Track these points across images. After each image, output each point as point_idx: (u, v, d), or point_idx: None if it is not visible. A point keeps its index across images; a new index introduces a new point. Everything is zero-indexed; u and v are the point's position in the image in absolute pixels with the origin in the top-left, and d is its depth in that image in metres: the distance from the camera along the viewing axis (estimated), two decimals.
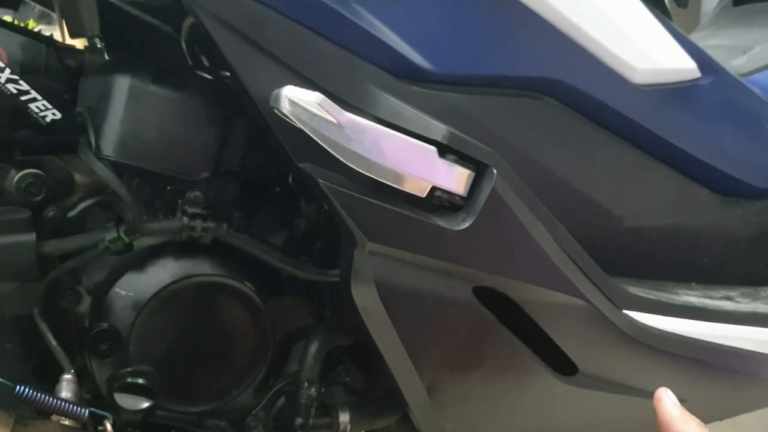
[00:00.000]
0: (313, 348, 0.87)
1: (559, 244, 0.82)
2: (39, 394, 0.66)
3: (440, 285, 0.78)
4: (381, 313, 0.77)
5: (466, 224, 0.75)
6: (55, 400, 0.67)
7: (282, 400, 0.91)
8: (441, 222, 0.75)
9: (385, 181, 0.71)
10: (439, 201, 0.75)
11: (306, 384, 0.86)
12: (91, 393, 0.83)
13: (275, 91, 0.67)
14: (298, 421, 0.87)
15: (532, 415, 0.92)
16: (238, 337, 0.85)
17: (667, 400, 0.71)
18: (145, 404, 0.75)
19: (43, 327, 0.76)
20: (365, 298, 0.77)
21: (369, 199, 0.72)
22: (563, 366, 0.90)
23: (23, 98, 0.75)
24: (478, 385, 0.85)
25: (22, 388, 0.66)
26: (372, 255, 0.75)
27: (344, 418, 0.89)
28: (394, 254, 0.76)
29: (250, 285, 0.84)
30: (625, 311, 0.87)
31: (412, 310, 0.79)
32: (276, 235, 0.90)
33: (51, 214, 0.78)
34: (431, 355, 0.81)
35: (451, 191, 0.74)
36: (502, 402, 0.88)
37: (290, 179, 0.89)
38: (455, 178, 0.74)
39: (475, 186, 0.75)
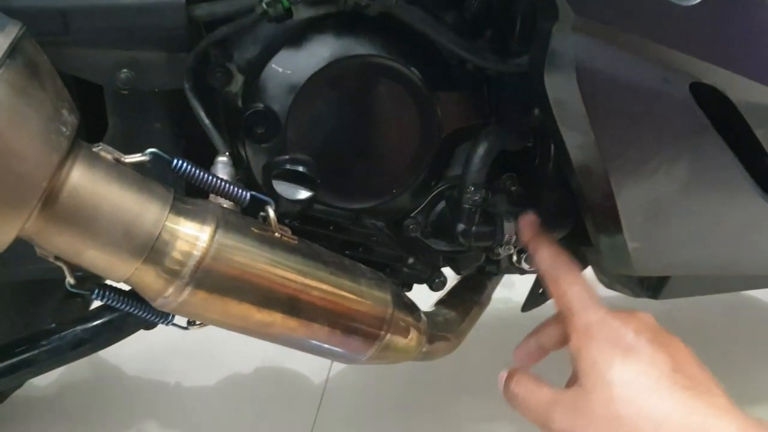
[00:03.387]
0: (481, 150, 0.77)
1: None
2: (198, 171, 0.59)
3: (653, 77, 0.65)
4: (578, 106, 0.64)
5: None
6: (215, 179, 0.60)
7: (441, 205, 0.83)
8: None
9: None
10: None
11: (472, 188, 0.76)
12: (242, 182, 0.76)
13: None
14: (460, 227, 0.78)
15: (729, 240, 0.79)
16: (401, 129, 0.75)
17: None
18: (306, 194, 0.68)
19: (195, 103, 0.68)
20: (561, 87, 0.65)
21: None
22: None
23: None
24: (676, 199, 0.73)
25: (180, 162, 0.59)
26: (575, 33, 0.62)
27: (510, 228, 0.80)
28: (603, 33, 0.62)
29: (417, 72, 0.73)
30: None
31: (615, 105, 0.66)
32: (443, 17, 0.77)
33: None
34: (629, 160, 0.69)
35: None
36: (698, 221, 0.76)
37: None
38: None
39: None
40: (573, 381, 0.62)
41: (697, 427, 0.51)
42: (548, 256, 0.69)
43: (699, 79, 0.66)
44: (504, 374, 0.66)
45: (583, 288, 0.64)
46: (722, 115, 0.70)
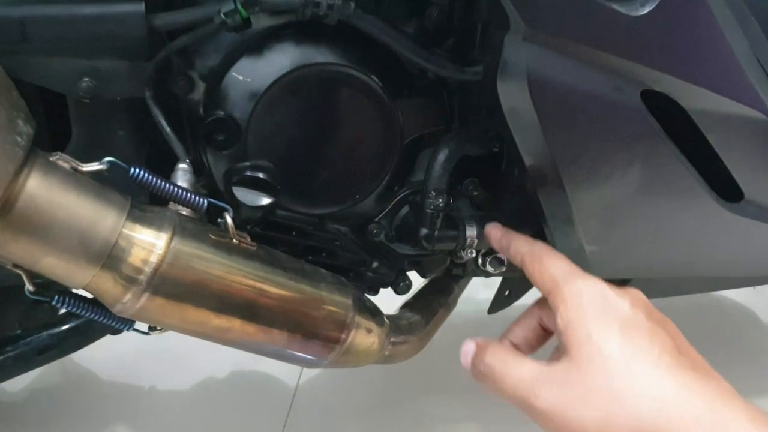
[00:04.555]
0: (442, 156, 0.78)
1: (751, 47, 0.68)
2: (155, 179, 0.60)
3: (604, 85, 0.66)
4: (530, 114, 0.66)
5: (647, 9, 0.62)
6: (171, 187, 0.61)
7: (405, 210, 0.84)
8: (615, 5, 0.62)
9: None
10: None
11: (433, 193, 0.78)
12: (205, 189, 0.77)
13: None
14: (423, 231, 0.79)
15: (684, 243, 0.81)
16: (363, 136, 0.77)
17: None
18: (266, 200, 0.69)
19: (156, 111, 0.69)
20: (513, 96, 0.67)
21: None
22: (727, 192, 0.78)
23: None
24: (630, 204, 0.74)
25: (137, 170, 0.60)
26: (526, 43, 0.63)
27: (471, 232, 0.81)
28: (554, 44, 0.64)
29: (377, 80, 0.75)
30: None
31: (566, 113, 0.67)
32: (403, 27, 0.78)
33: None
34: (582, 167, 0.70)
35: None
36: (653, 225, 0.78)
37: None
38: None
39: None
40: (557, 358, 0.55)
41: (704, 412, 0.46)
42: (526, 241, 0.65)
43: (650, 87, 0.68)
44: (469, 346, 0.60)
45: (568, 263, 0.59)
46: (676, 121, 0.72)
